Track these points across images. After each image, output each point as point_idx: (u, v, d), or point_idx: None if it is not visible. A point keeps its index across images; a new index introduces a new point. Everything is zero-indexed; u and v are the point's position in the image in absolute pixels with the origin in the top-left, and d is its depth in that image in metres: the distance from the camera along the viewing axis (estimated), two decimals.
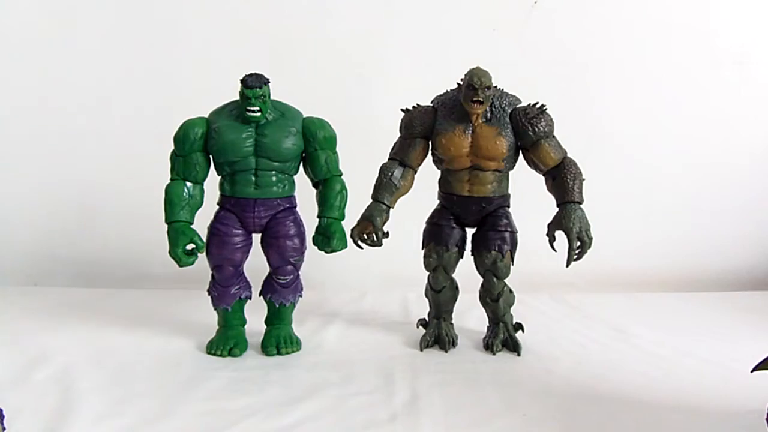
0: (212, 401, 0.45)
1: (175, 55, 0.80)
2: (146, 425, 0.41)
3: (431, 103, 0.57)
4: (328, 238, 0.54)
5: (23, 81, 0.81)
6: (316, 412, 0.43)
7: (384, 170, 0.56)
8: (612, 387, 0.48)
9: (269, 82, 0.52)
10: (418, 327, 0.61)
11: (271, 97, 0.54)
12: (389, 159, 0.57)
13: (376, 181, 0.56)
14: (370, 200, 0.56)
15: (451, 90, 0.56)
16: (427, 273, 0.58)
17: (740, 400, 0.45)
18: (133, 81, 0.81)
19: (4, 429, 0.37)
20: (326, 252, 0.54)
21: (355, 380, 0.49)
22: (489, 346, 0.57)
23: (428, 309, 0.60)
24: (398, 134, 0.57)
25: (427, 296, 0.60)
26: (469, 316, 0.65)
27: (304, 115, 0.56)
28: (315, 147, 0.55)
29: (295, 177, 0.57)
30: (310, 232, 0.56)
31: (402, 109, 0.57)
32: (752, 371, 0.36)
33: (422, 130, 0.55)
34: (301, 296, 0.58)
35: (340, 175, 0.56)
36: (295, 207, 0.57)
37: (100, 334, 0.60)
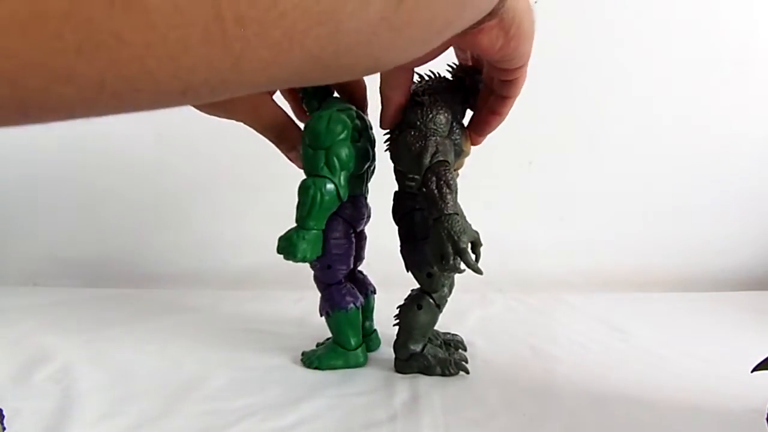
0: (212, 401, 0.45)
1: None
2: (146, 425, 0.41)
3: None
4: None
5: None
6: (316, 412, 0.43)
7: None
8: (612, 387, 0.48)
9: None
10: None
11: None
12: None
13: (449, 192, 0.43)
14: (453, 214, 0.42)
15: None
16: None
17: (740, 400, 0.45)
18: None
19: (4, 429, 0.37)
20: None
21: (355, 380, 0.49)
22: None
23: None
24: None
25: None
26: (469, 316, 0.65)
27: None
28: None
29: None
30: None
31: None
32: (752, 371, 0.36)
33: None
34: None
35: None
36: None
37: (100, 334, 0.60)
